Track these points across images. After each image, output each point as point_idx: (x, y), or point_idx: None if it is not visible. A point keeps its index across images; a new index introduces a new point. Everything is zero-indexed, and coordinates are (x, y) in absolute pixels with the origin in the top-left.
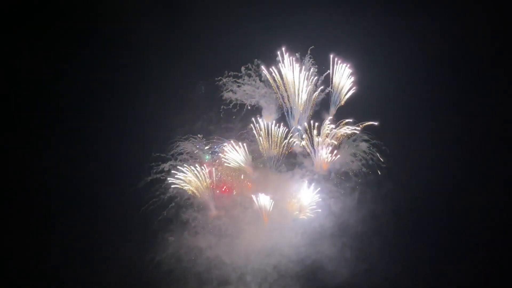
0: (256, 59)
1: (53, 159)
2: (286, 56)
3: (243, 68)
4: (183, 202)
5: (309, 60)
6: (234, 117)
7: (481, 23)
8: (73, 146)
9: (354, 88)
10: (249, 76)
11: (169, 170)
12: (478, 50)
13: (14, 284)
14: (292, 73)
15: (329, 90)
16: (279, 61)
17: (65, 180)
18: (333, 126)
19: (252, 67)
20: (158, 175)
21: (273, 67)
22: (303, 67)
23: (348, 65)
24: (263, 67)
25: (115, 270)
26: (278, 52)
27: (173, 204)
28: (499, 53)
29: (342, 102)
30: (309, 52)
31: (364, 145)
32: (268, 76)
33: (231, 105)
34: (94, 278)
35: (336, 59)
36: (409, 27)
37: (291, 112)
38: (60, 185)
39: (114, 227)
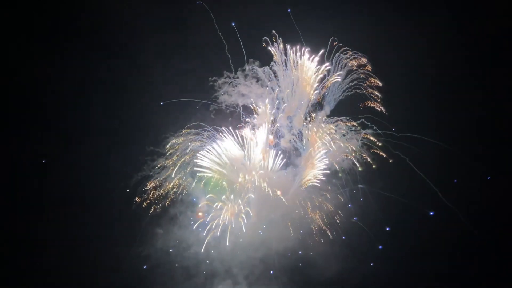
0: (251, 59)
1: (47, 157)
2: (281, 55)
3: (239, 71)
4: (173, 197)
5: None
6: (230, 119)
7: None
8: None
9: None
10: (245, 77)
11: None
12: None
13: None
14: (287, 71)
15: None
16: (274, 62)
17: (58, 177)
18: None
19: (248, 67)
20: (150, 173)
21: (267, 66)
22: (299, 65)
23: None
24: (257, 68)
25: (103, 264)
26: (273, 51)
27: (163, 199)
28: None
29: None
30: (305, 53)
31: (355, 142)
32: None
33: (224, 105)
34: (81, 272)
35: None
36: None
37: (283, 110)
38: (54, 183)
39: (104, 222)
